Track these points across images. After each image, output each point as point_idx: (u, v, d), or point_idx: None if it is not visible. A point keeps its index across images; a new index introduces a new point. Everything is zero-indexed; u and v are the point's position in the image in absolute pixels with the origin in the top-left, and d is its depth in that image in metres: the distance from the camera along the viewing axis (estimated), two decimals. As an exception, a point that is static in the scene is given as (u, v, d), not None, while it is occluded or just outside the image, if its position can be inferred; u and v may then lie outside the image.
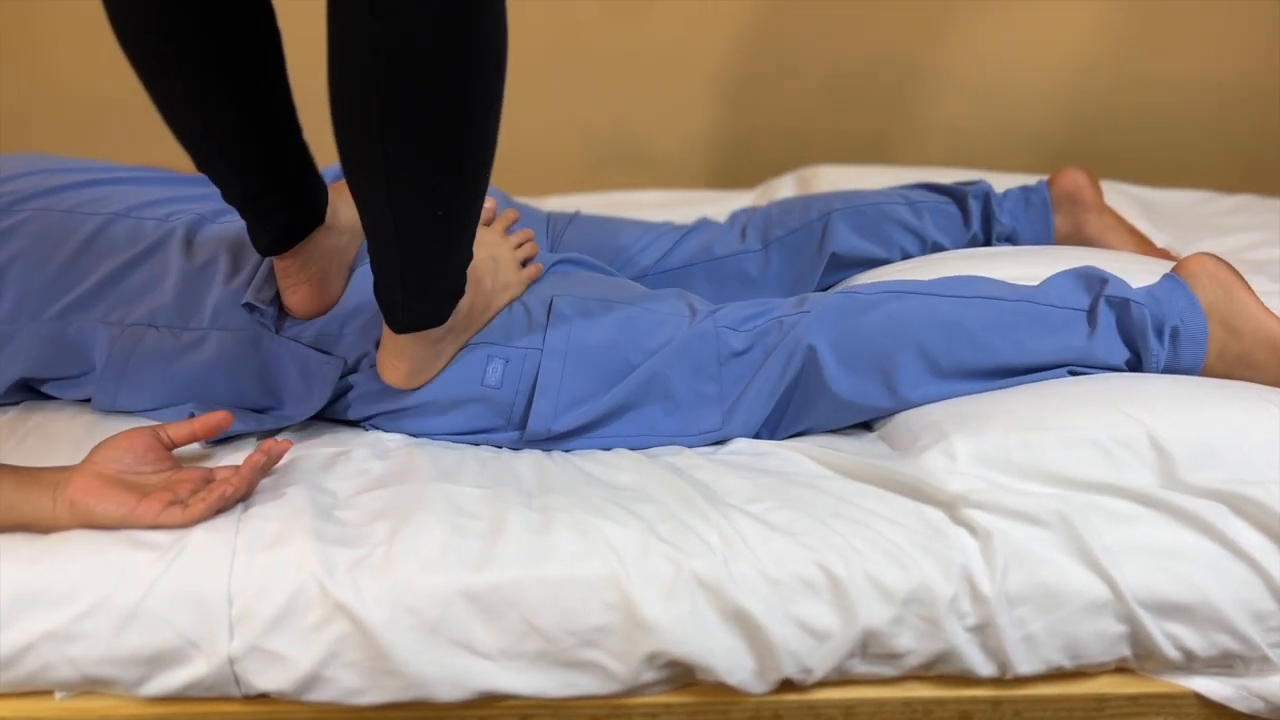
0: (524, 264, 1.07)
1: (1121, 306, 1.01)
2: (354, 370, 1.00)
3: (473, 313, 0.98)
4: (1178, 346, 1.00)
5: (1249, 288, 1.03)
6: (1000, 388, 1.00)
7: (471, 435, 1.00)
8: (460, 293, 0.93)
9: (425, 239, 0.84)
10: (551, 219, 1.29)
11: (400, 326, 0.92)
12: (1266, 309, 1.01)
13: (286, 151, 0.90)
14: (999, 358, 1.00)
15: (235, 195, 0.91)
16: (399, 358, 0.95)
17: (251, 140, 0.87)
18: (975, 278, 1.06)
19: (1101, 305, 1.01)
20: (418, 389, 0.98)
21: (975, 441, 0.92)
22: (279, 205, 0.92)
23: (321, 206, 0.96)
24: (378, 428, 1.02)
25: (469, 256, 0.90)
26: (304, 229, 0.95)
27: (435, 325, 0.92)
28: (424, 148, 0.76)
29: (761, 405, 1.00)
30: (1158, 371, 1.00)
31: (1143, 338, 1.00)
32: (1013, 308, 1.01)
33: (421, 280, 0.88)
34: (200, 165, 0.89)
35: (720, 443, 1.02)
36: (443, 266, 0.88)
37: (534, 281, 1.06)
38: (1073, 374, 1.01)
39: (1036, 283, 1.06)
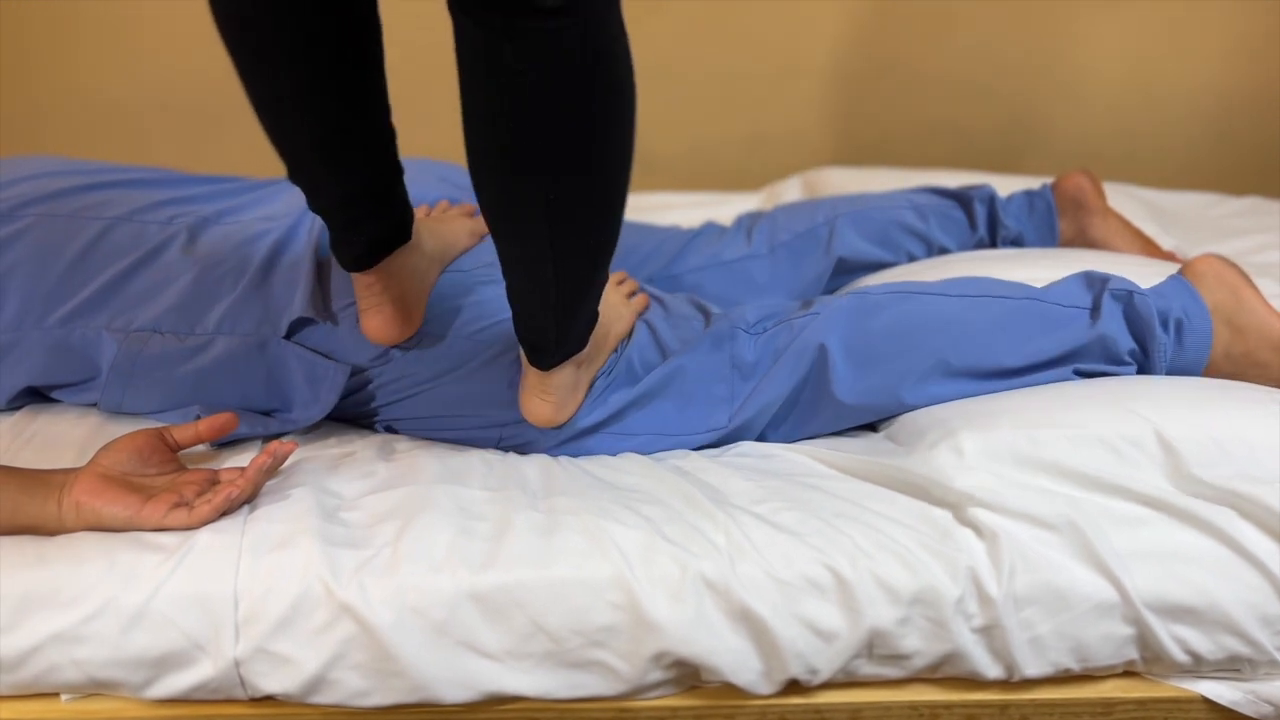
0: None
1: (1125, 297, 1.02)
2: (365, 373, 1.00)
3: (597, 338, 0.96)
4: (1182, 340, 1.01)
5: (1255, 288, 1.03)
6: (1008, 388, 1.00)
7: (488, 430, 1.00)
8: (596, 317, 0.93)
9: (581, 268, 0.83)
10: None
11: (550, 362, 0.91)
12: (1273, 309, 1.01)
13: (382, 158, 0.88)
14: (1007, 354, 1.00)
15: (328, 201, 0.88)
16: (548, 393, 0.94)
17: (352, 143, 0.85)
18: (982, 278, 1.07)
19: (1106, 297, 1.01)
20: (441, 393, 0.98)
21: (983, 437, 0.92)
22: (370, 215, 0.90)
23: (409, 223, 0.93)
24: (392, 429, 1.02)
25: (606, 279, 0.89)
26: (392, 243, 0.93)
27: (578, 352, 0.92)
28: (587, 180, 0.76)
29: (769, 405, 1.00)
30: (1164, 362, 1.01)
31: (1148, 327, 1.00)
32: (1019, 305, 1.02)
33: (572, 311, 0.87)
34: (294, 169, 0.86)
35: (725, 443, 1.02)
36: (591, 293, 0.87)
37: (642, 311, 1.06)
38: (1079, 374, 1.01)
39: (1043, 285, 1.06)
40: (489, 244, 1.04)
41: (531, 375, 0.93)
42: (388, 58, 0.84)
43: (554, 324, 0.87)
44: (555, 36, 0.68)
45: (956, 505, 0.87)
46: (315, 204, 0.89)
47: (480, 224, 1.09)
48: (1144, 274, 1.08)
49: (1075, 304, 1.03)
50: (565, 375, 0.94)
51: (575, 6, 0.67)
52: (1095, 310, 1.02)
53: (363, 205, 0.89)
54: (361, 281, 0.94)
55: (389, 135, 0.87)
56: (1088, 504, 0.87)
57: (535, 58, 0.68)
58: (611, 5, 0.70)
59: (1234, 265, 1.05)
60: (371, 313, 0.95)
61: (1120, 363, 1.01)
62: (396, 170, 0.90)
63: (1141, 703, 0.88)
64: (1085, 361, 1.01)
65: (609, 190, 0.78)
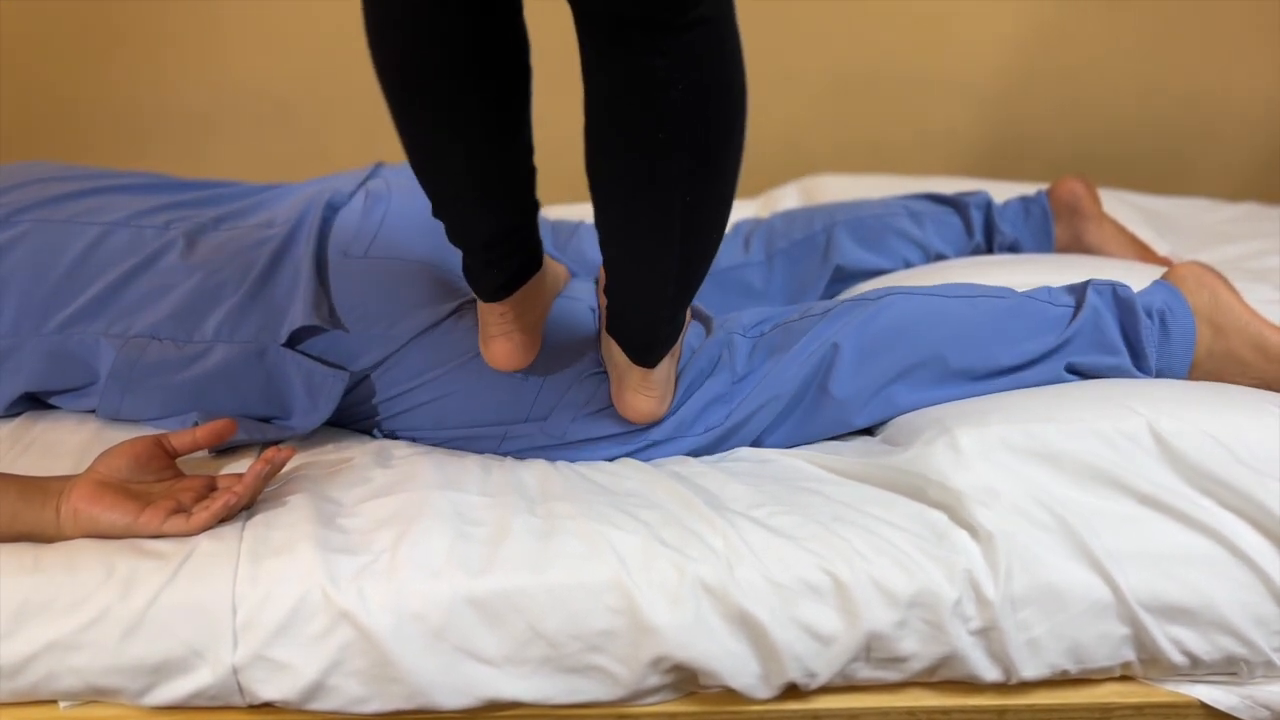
0: None
1: (1108, 288, 1.04)
2: (367, 375, 1.00)
3: None
4: (1167, 329, 1.02)
5: (1235, 291, 1.05)
6: (1002, 389, 1.01)
7: (488, 428, 1.00)
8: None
9: (700, 266, 0.86)
10: (556, 228, 1.29)
11: (658, 357, 0.92)
12: (1251, 310, 1.02)
13: (528, 197, 0.90)
14: (1004, 351, 1.01)
15: (476, 240, 0.89)
16: (652, 389, 0.95)
17: (505, 184, 0.87)
18: (973, 283, 1.08)
19: (1090, 291, 1.04)
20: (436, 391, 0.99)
21: (980, 434, 0.92)
22: (515, 250, 0.91)
23: (541, 252, 0.95)
24: (391, 434, 1.02)
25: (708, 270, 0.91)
26: (530, 273, 0.93)
27: (675, 343, 0.95)
28: (721, 183, 0.79)
29: (775, 400, 1.01)
30: (1153, 347, 1.02)
31: (1133, 312, 1.02)
32: (1014, 303, 1.04)
33: (683, 304, 0.90)
34: (444, 208, 0.87)
35: (723, 441, 1.02)
36: (698, 284, 0.89)
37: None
38: (1071, 369, 1.02)
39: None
40: None
41: (634, 375, 0.95)
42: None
43: (668, 319, 0.89)
44: (697, 44, 0.72)
45: (953, 504, 0.88)
46: (460, 240, 0.90)
47: None
48: (1137, 278, 1.08)
49: (1064, 303, 1.04)
50: (665, 368, 0.96)
51: (712, 13, 0.71)
52: (1080, 305, 1.03)
53: (509, 242, 0.90)
54: (494, 311, 0.93)
55: (533, 173, 0.89)
56: (1082, 503, 0.87)
57: (684, 68, 0.72)
58: (731, 5, 0.74)
59: (1213, 270, 1.07)
60: (501, 340, 0.95)
61: (1111, 350, 1.02)
62: (536, 206, 0.91)
63: (1139, 708, 0.88)
64: (1077, 352, 1.02)
65: (732, 184, 0.81)
